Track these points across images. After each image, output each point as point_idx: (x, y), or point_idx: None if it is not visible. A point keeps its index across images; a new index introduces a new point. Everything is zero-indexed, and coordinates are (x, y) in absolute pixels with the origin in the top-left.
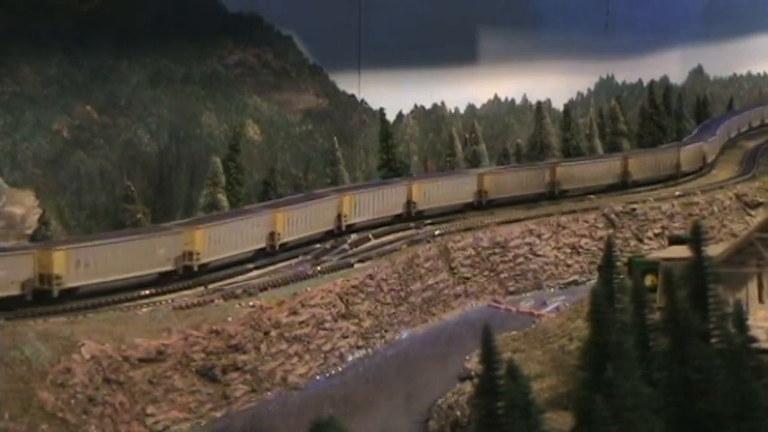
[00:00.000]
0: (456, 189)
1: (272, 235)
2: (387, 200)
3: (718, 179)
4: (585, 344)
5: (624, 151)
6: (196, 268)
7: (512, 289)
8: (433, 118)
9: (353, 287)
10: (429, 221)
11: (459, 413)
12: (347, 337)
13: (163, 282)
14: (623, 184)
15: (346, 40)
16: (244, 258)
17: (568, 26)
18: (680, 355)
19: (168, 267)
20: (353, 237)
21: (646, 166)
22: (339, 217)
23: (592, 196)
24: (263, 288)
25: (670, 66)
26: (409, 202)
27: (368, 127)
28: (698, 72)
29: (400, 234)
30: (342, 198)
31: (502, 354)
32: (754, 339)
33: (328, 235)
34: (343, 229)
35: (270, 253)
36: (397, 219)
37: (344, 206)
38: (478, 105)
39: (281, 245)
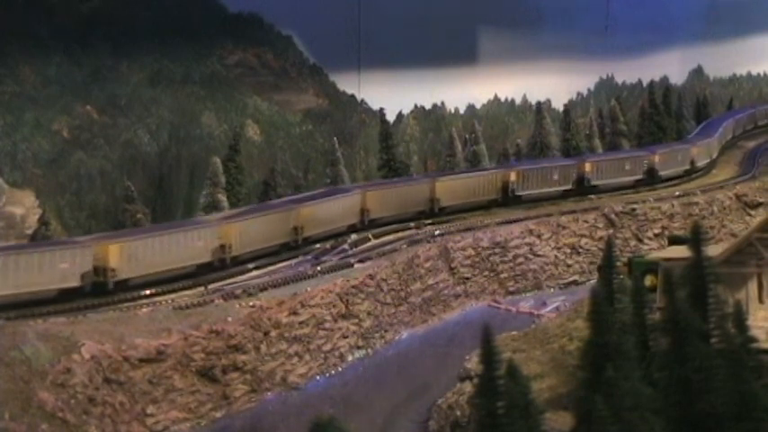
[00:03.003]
0: (185, 245)
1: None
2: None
3: (718, 179)
4: (585, 344)
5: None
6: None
7: (512, 289)
8: (432, 118)
9: (353, 287)
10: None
11: (459, 413)
12: (347, 337)
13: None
14: (362, 224)
15: (346, 40)
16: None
17: (568, 26)
18: (680, 355)
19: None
20: (353, 237)
21: (390, 203)
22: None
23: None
24: (263, 288)
25: (670, 66)
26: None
27: (368, 127)
28: (698, 72)
29: (400, 234)
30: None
31: (502, 354)
32: (754, 339)
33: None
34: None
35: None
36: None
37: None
38: (478, 105)
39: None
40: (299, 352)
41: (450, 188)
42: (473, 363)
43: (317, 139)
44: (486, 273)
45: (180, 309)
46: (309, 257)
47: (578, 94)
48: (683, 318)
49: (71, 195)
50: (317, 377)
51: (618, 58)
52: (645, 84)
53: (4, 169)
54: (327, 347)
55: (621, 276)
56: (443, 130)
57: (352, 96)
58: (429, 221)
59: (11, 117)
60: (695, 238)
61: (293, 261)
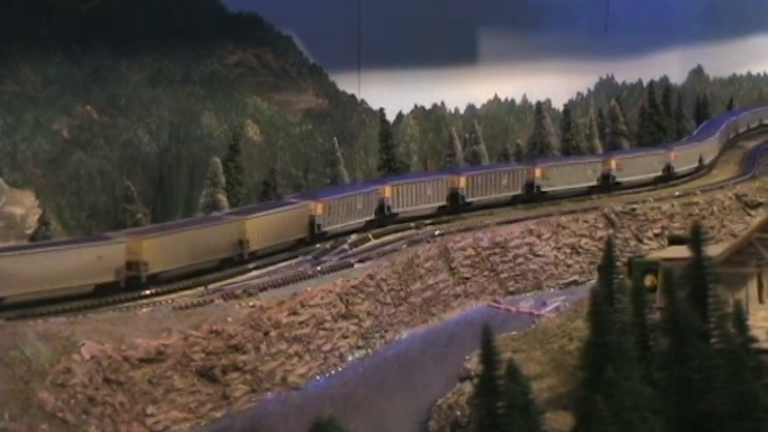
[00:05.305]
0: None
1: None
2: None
3: (718, 179)
4: (585, 344)
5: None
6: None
7: (512, 289)
8: (432, 118)
9: (353, 287)
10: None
11: (459, 413)
12: (347, 337)
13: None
14: (128, 284)
15: (346, 40)
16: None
17: (568, 26)
18: (680, 355)
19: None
20: (353, 237)
21: (181, 251)
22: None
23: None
24: (263, 288)
25: (670, 66)
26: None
27: (368, 127)
28: (698, 72)
29: (400, 234)
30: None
31: (502, 354)
32: (754, 339)
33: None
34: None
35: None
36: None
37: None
38: (478, 105)
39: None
40: (299, 352)
41: (260, 227)
42: (473, 363)
43: (317, 139)
44: (486, 273)
45: (180, 309)
46: (309, 257)
47: (578, 94)
48: (683, 318)
49: (71, 195)
50: (317, 377)
51: (618, 58)
52: (645, 84)
53: (4, 169)
54: (327, 347)
55: (621, 276)
56: (443, 130)
57: (352, 96)
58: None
59: (11, 117)
60: (695, 238)
61: (293, 261)
